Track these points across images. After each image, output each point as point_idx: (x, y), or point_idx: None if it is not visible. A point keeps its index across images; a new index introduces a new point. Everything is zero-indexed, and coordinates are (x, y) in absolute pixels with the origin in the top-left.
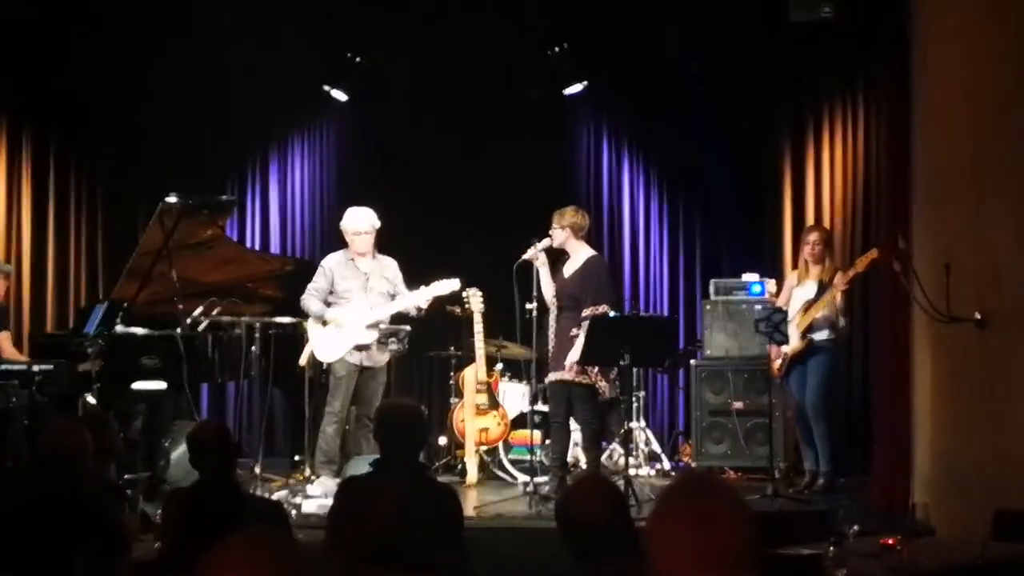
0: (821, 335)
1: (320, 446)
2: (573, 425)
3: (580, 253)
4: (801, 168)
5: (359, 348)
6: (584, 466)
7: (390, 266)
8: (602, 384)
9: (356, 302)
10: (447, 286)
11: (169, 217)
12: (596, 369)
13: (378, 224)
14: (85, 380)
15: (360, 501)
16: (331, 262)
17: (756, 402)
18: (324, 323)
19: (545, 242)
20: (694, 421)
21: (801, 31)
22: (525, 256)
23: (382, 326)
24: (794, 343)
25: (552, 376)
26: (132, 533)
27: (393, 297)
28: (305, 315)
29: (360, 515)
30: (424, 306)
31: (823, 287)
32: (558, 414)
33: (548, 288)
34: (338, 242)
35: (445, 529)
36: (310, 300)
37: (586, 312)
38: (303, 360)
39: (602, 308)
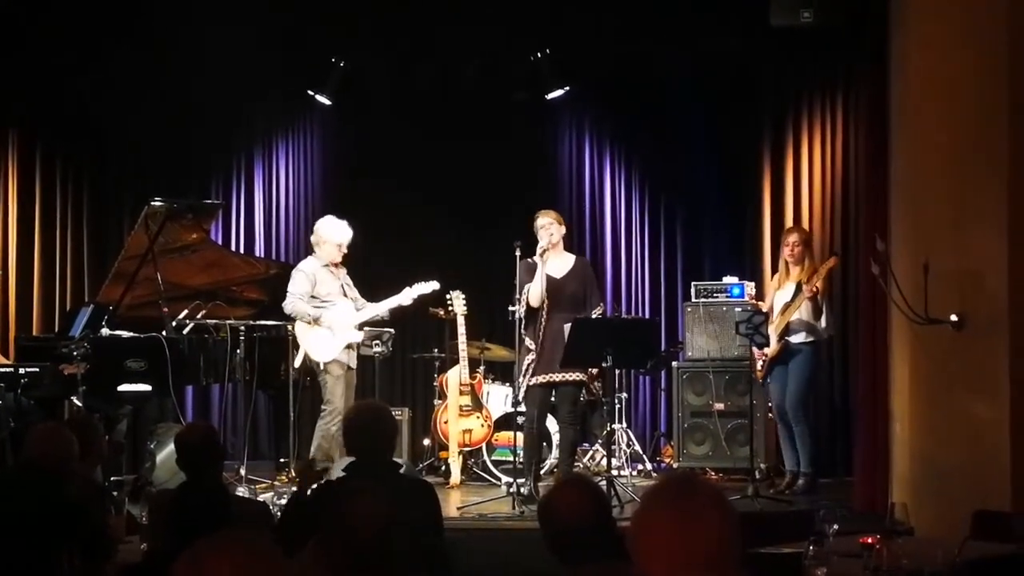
0: (798, 338)
1: (321, 446)
2: (553, 428)
3: (564, 254)
4: (781, 170)
5: (350, 347)
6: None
7: (345, 274)
8: (596, 384)
9: (341, 304)
10: (427, 287)
11: (154, 220)
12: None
13: (351, 237)
14: (71, 383)
15: (344, 505)
16: (311, 267)
17: (737, 403)
18: (315, 324)
19: (546, 240)
20: (676, 422)
21: (782, 35)
22: (542, 246)
23: (366, 328)
24: (773, 346)
25: (539, 379)
26: (118, 535)
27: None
28: (290, 320)
29: (346, 519)
30: (384, 314)
31: (801, 288)
32: (536, 419)
33: (542, 288)
34: None
35: (424, 525)
36: (299, 303)
37: (596, 312)
38: (297, 363)
39: (601, 307)
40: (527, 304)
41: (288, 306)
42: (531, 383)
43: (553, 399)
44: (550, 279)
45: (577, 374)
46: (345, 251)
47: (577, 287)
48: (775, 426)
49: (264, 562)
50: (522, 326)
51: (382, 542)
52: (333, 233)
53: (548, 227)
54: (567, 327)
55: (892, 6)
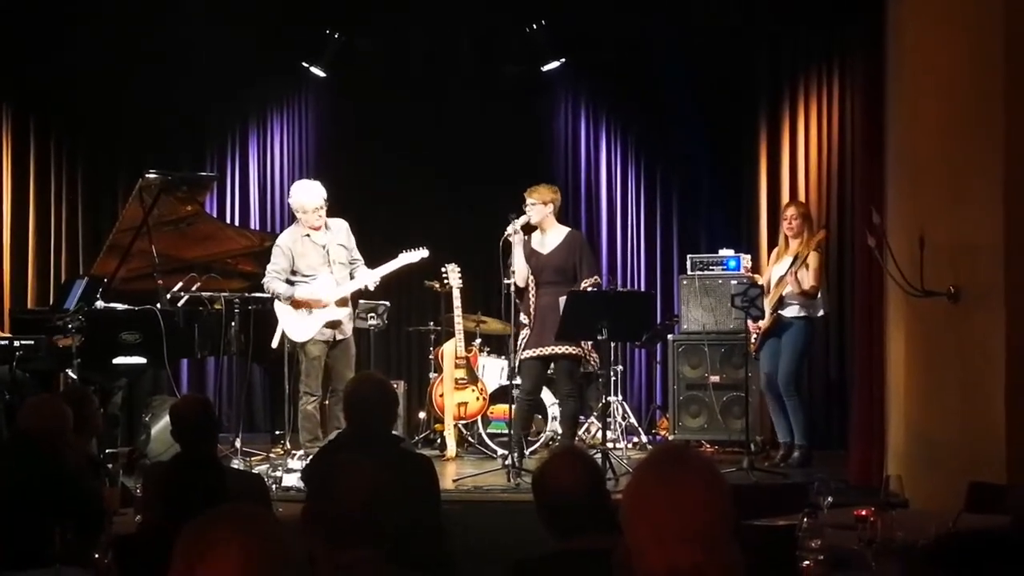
0: (791, 311)
1: (304, 426)
2: (549, 400)
3: (556, 228)
4: (777, 143)
5: (330, 325)
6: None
7: (342, 229)
8: (594, 356)
9: (322, 279)
10: (415, 255)
11: (149, 193)
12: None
13: (325, 195)
14: (65, 355)
15: (333, 476)
16: (287, 240)
17: (732, 376)
18: (294, 304)
19: (524, 219)
20: (671, 395)
21: (779, 8)
22: (507, 233)
23: (361, 300)
24: (766, 318)
25: (532, 352)
26: (112, 507)
27: (352, 262)
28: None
29: (333, 491)
30: (373, 285)
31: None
32: (530, 391)
33: (523, 266)
34: None
35: (421, 500)
36: (275, 282)
37: (586, 283)
38: (275, 343)
39: (595, 279)
40: (515, 284)
41: (265, 284)
42: (525, 356)
43: (551, 373)
44: (538, 255)
45: (571, 348)
46: (317, 214)
47: (566, 261)
48: None
49: (274, 540)
50: (516, 301)
51: (368, 514)
52: (295, 198)
53: (530, 208)
54: (562, 300)
55: None
